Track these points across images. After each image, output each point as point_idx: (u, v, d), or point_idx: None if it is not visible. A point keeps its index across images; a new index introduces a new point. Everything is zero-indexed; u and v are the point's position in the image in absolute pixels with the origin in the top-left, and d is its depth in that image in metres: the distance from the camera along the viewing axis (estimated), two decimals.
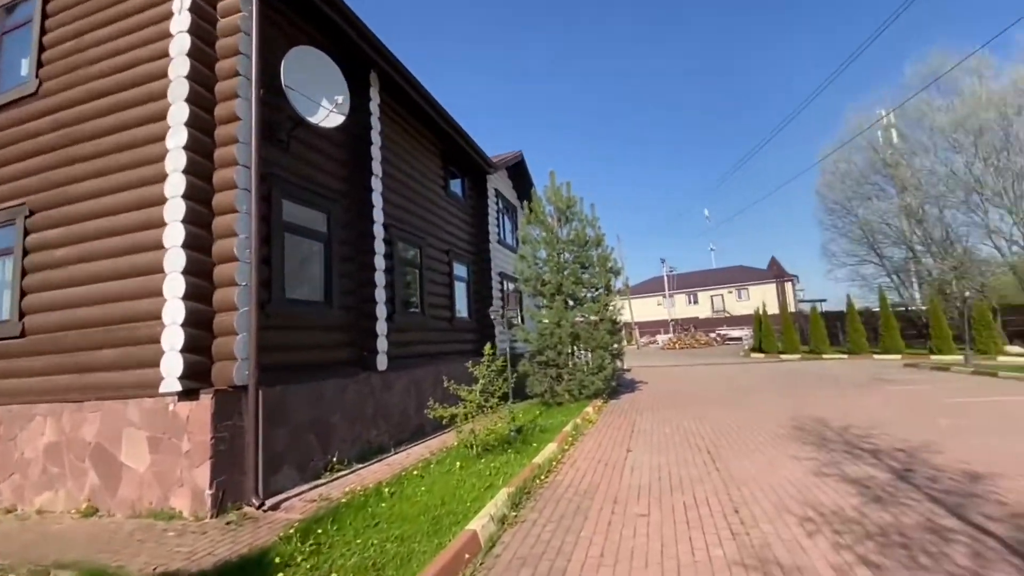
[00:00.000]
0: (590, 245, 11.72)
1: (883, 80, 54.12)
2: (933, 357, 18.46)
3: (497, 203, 14.19)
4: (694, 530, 3.64)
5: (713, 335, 39.49)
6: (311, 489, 5.44)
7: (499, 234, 14.00)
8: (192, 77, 5.22)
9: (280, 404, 5.49)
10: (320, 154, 6.89)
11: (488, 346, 6.93)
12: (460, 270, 11.50)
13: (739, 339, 36.02)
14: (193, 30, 5.25)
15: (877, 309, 21.80)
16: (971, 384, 11.47)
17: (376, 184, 7.67)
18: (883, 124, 24.77)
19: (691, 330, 41.74)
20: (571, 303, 11.38)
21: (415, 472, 5.63)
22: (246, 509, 4.72)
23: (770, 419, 8.15)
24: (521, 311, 14.51)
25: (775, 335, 25.07)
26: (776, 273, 48.66)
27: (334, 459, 6.12)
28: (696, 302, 53.03)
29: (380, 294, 7.45)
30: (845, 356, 21.41)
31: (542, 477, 5.26)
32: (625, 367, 22.27)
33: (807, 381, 13.60)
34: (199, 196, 5.12)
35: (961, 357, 16.16)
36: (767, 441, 6.57)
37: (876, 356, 20.54)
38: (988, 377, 12.58)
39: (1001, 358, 16.96)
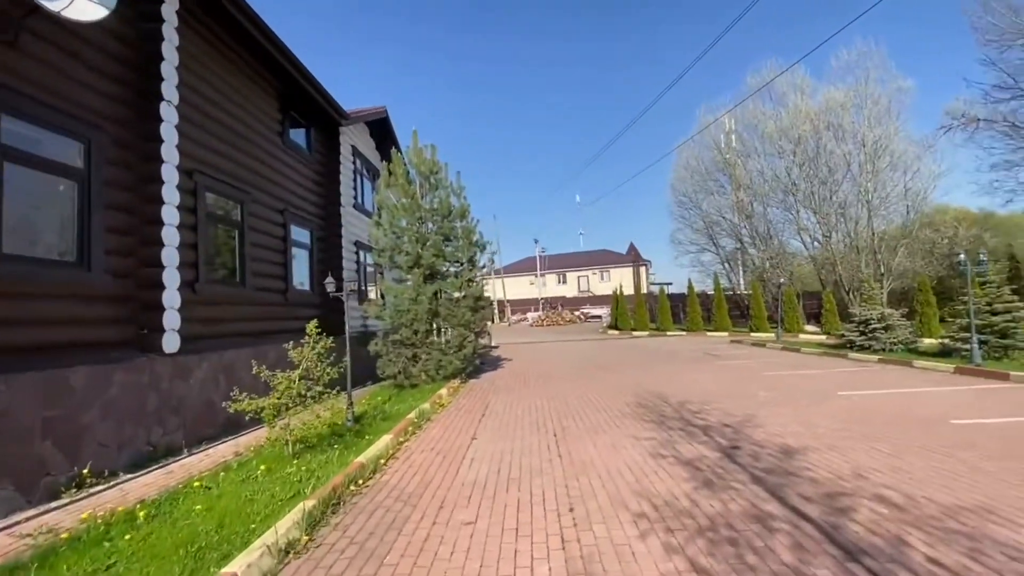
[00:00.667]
0: (455, 216, 10.95)
1: (732, 84, 60.85)
2: (753, 334, 21.22)
3: (354, 162, 12.68)
4: (522, 539, 3.12)
5: (578, 313, 41.68)
6: (36, 516, 3.97)
7: (356, 198, 12.54)
8: None
9: None
10: (79, 62, 5.06)
11: (312, 324, 5.84)
12: (301, 235, 9.96)
13: (599, 317, 38.46)
14: None
15: (712, 292, 24.47)
16: (781, 359, 13.12)
17: (169, 114, 5.97)
18: (724, 127, 27.59)
19: (558, 308, 43.60)
20: (432, 277, 10.55)
21: (197, 483, 4.42)
22: None
23: (618, 395, 8.26)
24: (376, 285, 13.30)
25: (629, 314, 26.99)
26: (634, 258, 52.88)
27: (85, 471, 4.61)
28: (565, 282, 55.62)
29: (171, 256, 5.86)
30: (684, 333, 23.76)
31: (361, 480, 4.42)
32: (494, 344, 22.24)
33: (653, 356, 14.54)
34: None
35: (774, 335, 18.71)
36: (612, 420, 6.49)
37: (709, 333, 23.09)
38: (794, 353, 14.59)
39: (802, 336, 20.04)
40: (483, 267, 11.82)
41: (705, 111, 28.37)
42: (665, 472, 4.29)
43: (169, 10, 6.07)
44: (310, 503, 3.59)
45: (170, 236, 5.85)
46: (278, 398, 5.32)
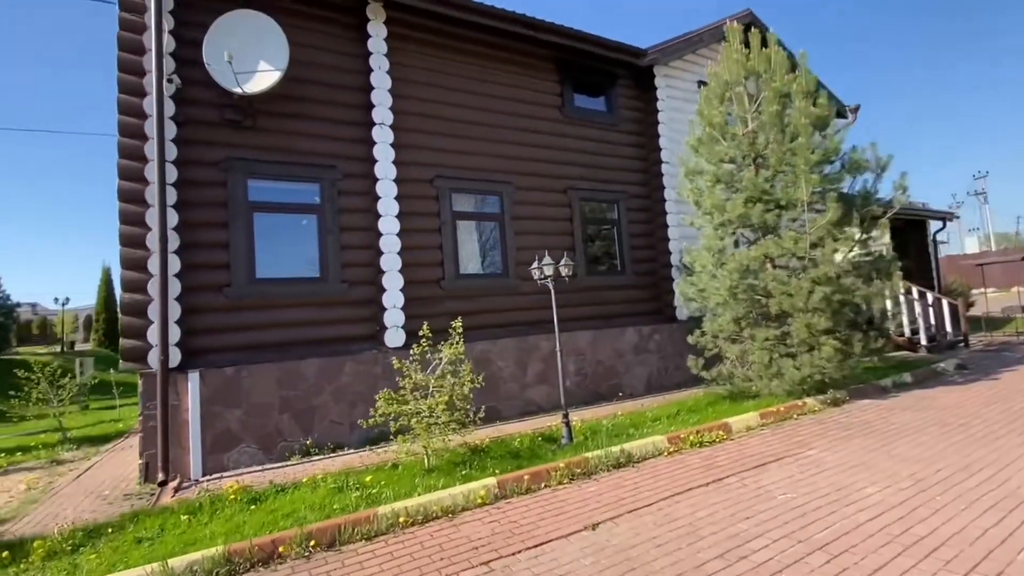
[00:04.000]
0: (796, 128, 6.70)
1: None
2: None
3: None
4: None
5: None
6: (258, 472, 5.36)
7: None
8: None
9: (233, 385, 5.59)
10: (306, 120, 6.39)
11: (426, 326, 5.04)
12: (601, 210, 8.86)
13: None
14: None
15: None
16: None
17: (382, 135, 6.62)
18: None
19: None
20: (759, 234, 6.93)
21: (321, 476, 4.67)
22: (153, 486, 5.07)
23: None
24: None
25: None
26: None
27: (308, 442, 5.83)
28: None
29: (390, 262, 6.50)
30: None
31: (352, 533, 3.41)
32: None
33: None
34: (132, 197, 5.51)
35: None
36: None
37: None
38: None
39: None
40: (886, 202, 6.72)
41: None
42: None
43: (376, 41, 6.74)
44: (210, 552, 3.11)
45: (388, 244, 6.52)
46: (420, 404, 4.88)
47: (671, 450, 4.99)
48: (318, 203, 6.39)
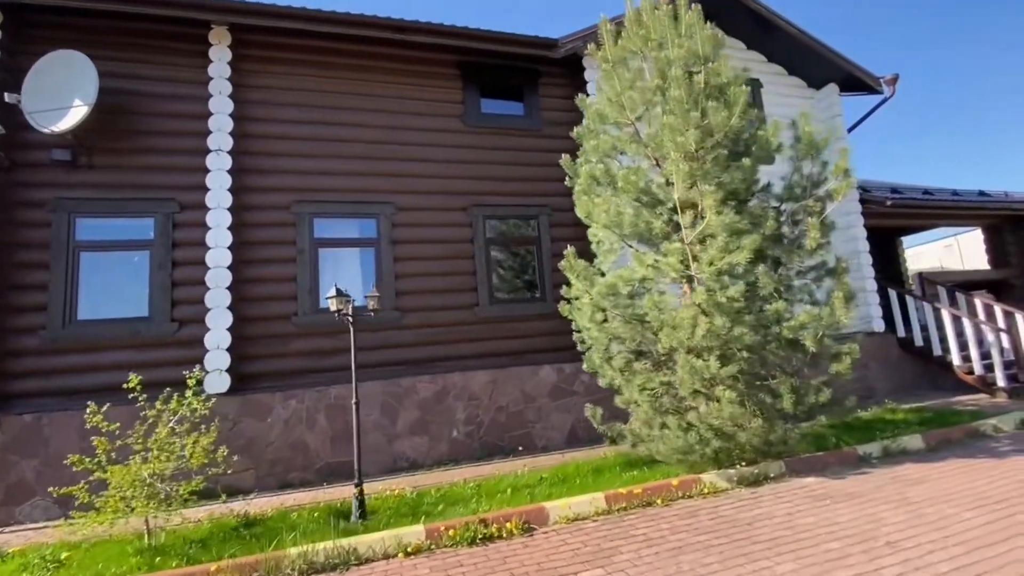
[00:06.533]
0: (671, 102, 4.98)
1: None
2: None
3: None
4: None
5: None
6: (41, 528, 5.01)
7: None
8: None
9: (32, 433, 5.34)
10: (144, 153, 6.17)
11: (197, 372, 4.31)
12: (524, 229, 7.61)
13: None
14: None
15: None
16: None
17: (217, 161, 6.18)
18: None
19: None
20: (644, 246, 5.26)
21: (28, 549, 4.16)
22: None
23: None
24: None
25: None
26: None
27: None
28: None
29: (216, 298, 5.95)
30: None
31: None
32: None
33: None
34: None
35: None
36: None
37: None
38: None
39: None
40: (825, 194, 4.74)
41: None
42: None
43: (219, 65, 6.39)
44: None
45: (215, 278, 5.98)
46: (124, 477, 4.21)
47: (413, 548, 3.65)
48: (151, 238, 6.08)
